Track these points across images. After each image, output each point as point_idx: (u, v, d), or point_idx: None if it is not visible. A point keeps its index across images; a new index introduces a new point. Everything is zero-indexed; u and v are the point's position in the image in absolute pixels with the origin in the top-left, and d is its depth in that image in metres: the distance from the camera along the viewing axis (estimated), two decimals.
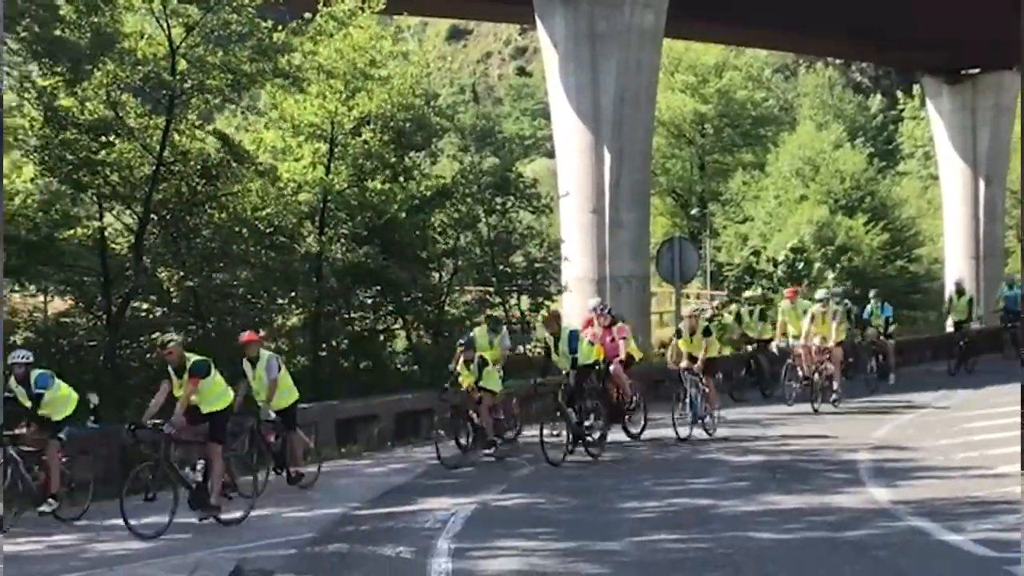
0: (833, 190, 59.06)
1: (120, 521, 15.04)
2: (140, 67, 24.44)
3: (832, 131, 67.60)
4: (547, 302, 33.71)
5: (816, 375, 26.53)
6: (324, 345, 29.03)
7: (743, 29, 48.47)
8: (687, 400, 23.50)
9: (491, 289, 33.12)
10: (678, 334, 25.27)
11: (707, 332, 24.70)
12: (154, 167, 24.74)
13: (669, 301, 46.58)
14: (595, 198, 36.93)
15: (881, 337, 31.75)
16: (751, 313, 31.35)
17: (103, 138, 24.12)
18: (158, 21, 24.94)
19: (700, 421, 23.40)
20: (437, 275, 31.50)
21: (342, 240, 29.54)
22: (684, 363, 24.13)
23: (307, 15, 28.04)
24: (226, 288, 26.88)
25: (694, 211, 67.80)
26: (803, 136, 65.09)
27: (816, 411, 25.77)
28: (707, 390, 23.74)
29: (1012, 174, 54.73)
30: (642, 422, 23.56)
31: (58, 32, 21.80)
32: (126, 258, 25.26)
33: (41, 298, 26.60)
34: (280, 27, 26.35)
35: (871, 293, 33.60)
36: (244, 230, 26.66)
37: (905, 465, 18.66)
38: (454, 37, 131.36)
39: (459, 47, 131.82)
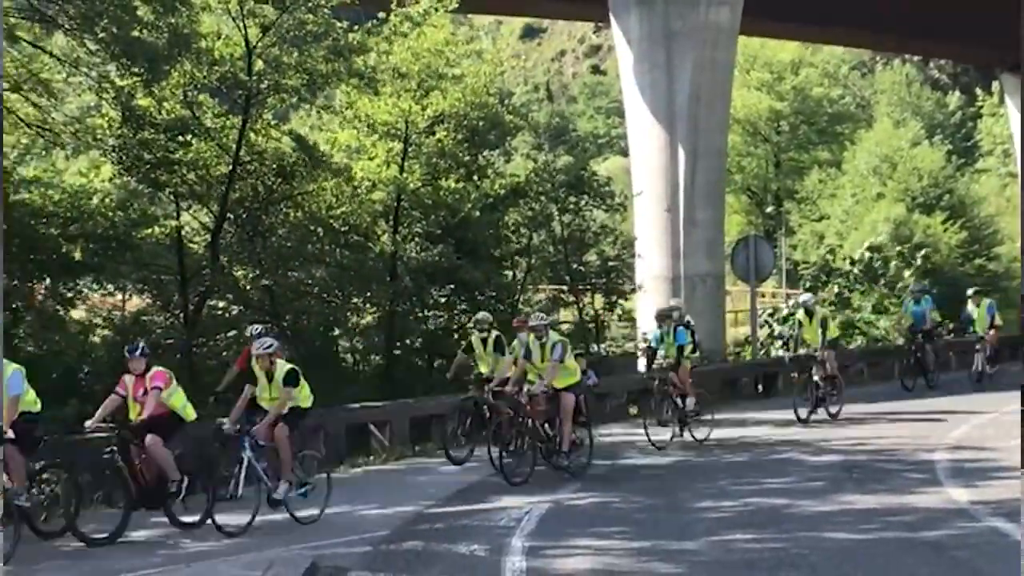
0: (911, 188, 58.44)
1: (193, 519, 15.14)
2: (217, 67, 24.65)
3: (910, 128, 66.88)
4: (621, 301, 33.61)
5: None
6: (398, 344, 29.10)
7: (819, 26, 48.18)
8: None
9: (565, 288, 33.07)
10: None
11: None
12: (230, 166, 24.93)
13: (744, 300, 46.36)
14: (670, 196, 36.85)
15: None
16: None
17: (180, 137, 24.35)
18: (234, 21, 25.14)
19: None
20: (511, 274, 31.49)
21: (416, 239, 29.60)
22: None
23: (381, 15, 28.13)
24: (301, 286, 27.05)
25: (769, 209, 67.31)
26: (880, 133, 64.42)
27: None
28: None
29: None
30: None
31: (136, 33, 21.98)
32: (203, 256, 25.47)
33: (119, 296, 26.85)
34: (355, 27, 26.47)
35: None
36: (319, 229, 26.83)
37: (984, 465, 18.43)
38: (528, 35, 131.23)
39: (533, 45, 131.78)
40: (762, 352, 38.23)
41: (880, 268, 44.71)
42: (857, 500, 15.86)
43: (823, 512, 15.14)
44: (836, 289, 42.95)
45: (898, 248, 49.01)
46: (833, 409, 25.13)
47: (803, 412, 24.41)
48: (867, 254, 45.31)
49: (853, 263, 45.01)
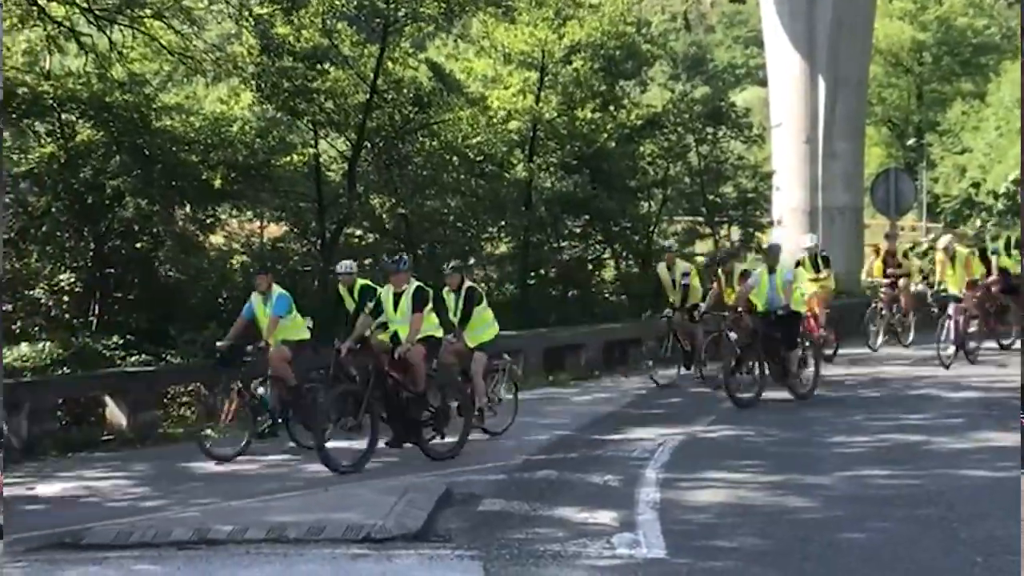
0: None
1: (339, 444, 15.20)
2: None
3: None
4: (758, 233, 33.30)
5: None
6: (532, 274, 29.16)
7: None
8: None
9: (701, 220, 32.84)
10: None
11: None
12: (367, 95, 25.04)
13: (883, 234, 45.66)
14: (809, 128, 36.40)
15: None
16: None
17: (318, 66, 24.48)
18: None
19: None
20: (646, 205, 31.38)
21: (551, 169, 29.60)
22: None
23: None
24: (437, 215, 27.16)
25: (910, 142, 66.18)
26: None
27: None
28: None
29: None
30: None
31: None
32: (340, 184, 25.67)
33: (257, 223, 27.19)
34: None
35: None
36: (454, 158, 26.89)
37: None
38: None
39: None
40: None
41: None
42: (995, 437, 15.57)
43: (960, 449, 14.92)
44: (978, 223, 42.11)
45: None
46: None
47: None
48: (1011, 188, 44.31)
49: (997, 197, 44.08)
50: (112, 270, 22.61)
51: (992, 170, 54.37)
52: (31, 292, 21.51)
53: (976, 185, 46.68)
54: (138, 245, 22.86)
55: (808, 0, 36.65)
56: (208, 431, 16.15)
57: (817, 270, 24.02)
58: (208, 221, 24.18)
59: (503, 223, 28.42)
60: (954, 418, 17.36)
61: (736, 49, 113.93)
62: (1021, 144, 49.82)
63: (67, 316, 21.38)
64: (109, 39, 22.12)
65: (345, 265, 17.68)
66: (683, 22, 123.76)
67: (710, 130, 32.51)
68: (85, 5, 21.38)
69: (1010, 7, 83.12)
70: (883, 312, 26.31)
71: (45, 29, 21.51)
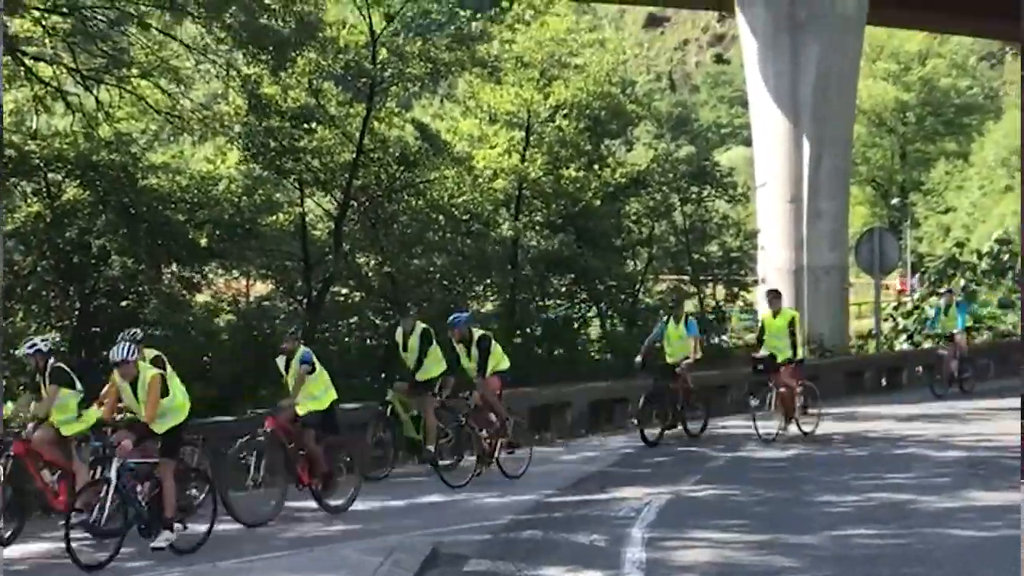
0: None
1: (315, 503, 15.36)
2: (341, 55, 24.87)
3: None
4: (743, 292, 33.42)
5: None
6: (518, 332, 29.17)
7: (948, 16, 47.38)
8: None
9: (686, 278, 32.93)
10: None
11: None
12: (354, 154, 25.13)
13: (868, 293, 45.77)
14: (793, 187, 36.53)
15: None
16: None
17: (305, 125, 24.57)
18: (359, 10, 25.32)
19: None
20: (632, 263, 31.47)
21: (537, 227, 29.68)
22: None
23: (505, 4, 28.18)
24: (423, 274, 27.18)
25: (894, 201, 66.51)
26: (1009, 124, 63.49)
27: None
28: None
29: None
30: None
31: (263, 20, 22.21)
32: (326, 243, 25.69)
33: (244, 282, 27.18)
34: (478, 16, 26.54)
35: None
36: (440, 217, 26.96)
37: None
38: (651, 24, 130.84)
39: (656, 34, 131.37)
40: (886, 346, 37.79)
41: (1008, 262, 43.92)
42: (982, 497, 15.58)
43: (947, 508, 14.91)
44: (963, 283, 42.30)
45: None
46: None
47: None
48: (995, 247, 44.54)
49: (981, 256, 44.29)
50: (98, 329, 22.57)
51: (976, 229, 54.69)
52: (16, 351, 21.43)
53: (960, 245, 46.93)
54: (124, 304, 22.83)
55: (792, 60, 36.89)
56: (193, 491, 16.02)
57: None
58: (194, 280, 24.17)
59: (489, 281, 28.48)
60: (940, 477, 17.37)
61: (721, 109, 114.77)
62: (1021, 186, 50.22)
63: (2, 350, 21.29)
64: (96, 98, 22.20)
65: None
66: (668, 82, 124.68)
67: (695, 189, 32.68)
68: (72, 65, 21.48)
69: (992, 68, 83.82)
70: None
71: (32, 89, 21.59)
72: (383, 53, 25.26)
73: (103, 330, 22.68)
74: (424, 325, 19.02)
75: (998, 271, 43.37)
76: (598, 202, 29.59)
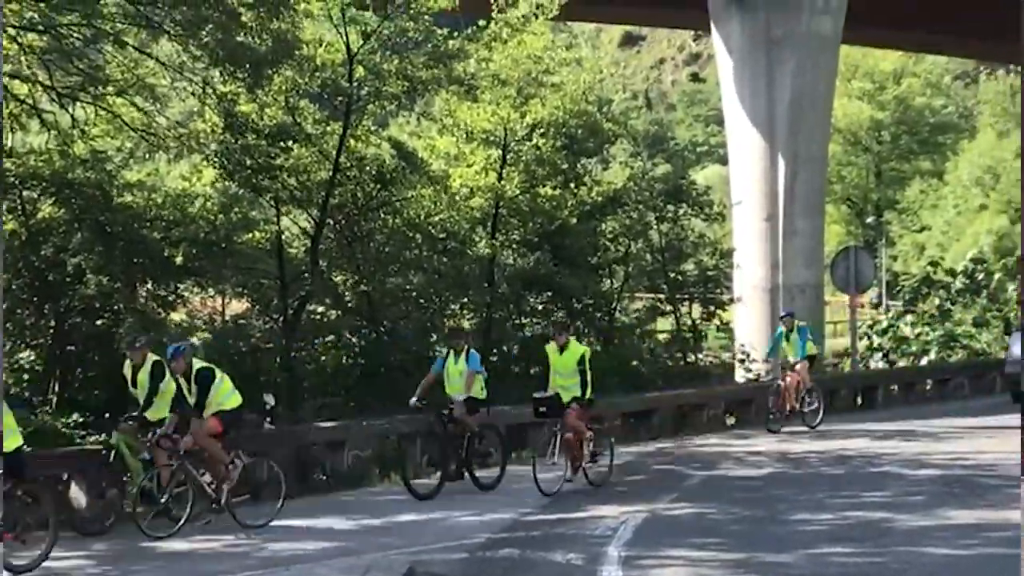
0: (1014, 199, 57.79)
1: (296, 522, 15.31)
2: (318, 73, 24.87)
3: (1014, 139, 66.11)
4: (719, 311, 33.47)
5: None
6: (495, 350, 29.14)
7: (923, 35, 47.64)
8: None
9: (662, 297, 32.97)
10: None
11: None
12: (330, 172, 25.12)
13: (843, 311, 45.94)
14: (769, 205, 36.66)
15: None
16: None
17: (281, 143, 24.53)
18: (336, 28, 25.31)
19: None
20: (608, 282, 31.48)
21: (513, 246, 29.70)
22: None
23: (481, 22, 28.20)
24: (399, 292, 27.16)
25: (870, 219, 66.78)
26: (983, 144, 63.82)
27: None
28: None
29: None
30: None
31: (239, 39, 22.18)
32: (302, 261, 25.65)
33: (219, 300, 27.13)
34: (455, 34, 26.56)
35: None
36: (417, 235, 26.97)
37: None
38: (628, 43, 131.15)
39: (632, 53, 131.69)
40: (861, 364, 37.89)
41: (983, 280, 44.14)
42: (957, 515, 15.63)
43: (922, 527, 14.94)
44: (937, 301, 42.49)
45: (1002, 261, 48.40)
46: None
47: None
48: (969, 266, 44.75)
49: (955, 275, 44.49)
50: (72, 348, 22.50)
51: (951, 248, 54.91)
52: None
53: (935, 264, 47.13)
54: (99, 322, 22.74)
55: (767, 80, 37.04)
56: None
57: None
58: (170, 298, 24.11)
59: (465, 300, 28.46)
60: (915, 495, 17.41)
61: (697, 127, 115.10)
62: (1021, 201, 50.44)
63: (26, 394, 21.22)
64: (71, 116, 22.14)
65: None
66: (644, 100, 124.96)
67: (671, 208, 32.73)
68: (48, 83, 21.42)
69: (967, 87, 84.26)
70: None
71: (7, 107, 21.51)
72: (360, 71, 25.27)
73: (78, 348, 22.63)
74: (156, 358, 16.51)
75: (972, 290, 43.55)
76: (574, 220, 29.62)
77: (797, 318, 27.27)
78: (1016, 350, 29.21)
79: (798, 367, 26.23)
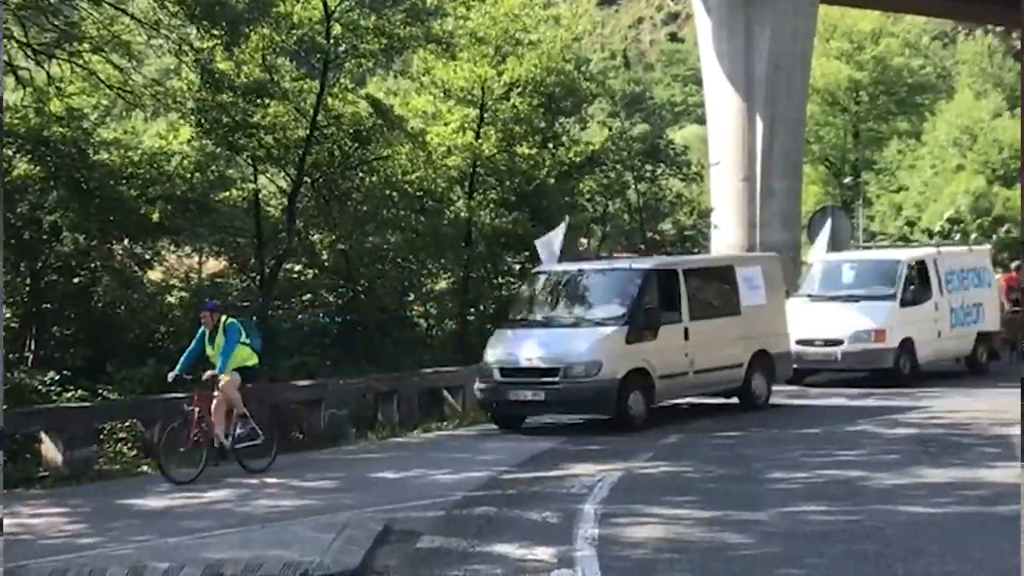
0: (991, 160, 57.91)
1: (274, 480, 15.39)
2: (295, 31, 24.76)
3: (991, 99, 66.17)
4: None
5: None
6: (472, 309, 29.18)
7: None
8: None
9: (639, 256, 32.99)
10: None
11: None
12: (307, 130, 25.03)
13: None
14: (746, 166, 36.61)
15: None
16: None
17: (258, 101, 24.42)
18: None
19: None
20: (585, 241, 31.46)
21: (491, 205, 29.67)
22: None
23: None
24: (376, 251, 27.14)
25: (847, 180, 66.81)
26: (961, 105, 63.82)
27: None
28: None
29: None
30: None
31: None
32: (279, 220, 25.63)
33: (196, 258, 27.08)
34: None
35: None
36: (394, 194, 26.92)
37: None
38: (606, 2, 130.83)
39: (611, 12, 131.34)
40: None
41: (959, 241, 44.27)
42: (931, 474, 15.71)
43: (897, 485, 15.00)
44: None
45: (978, 220, 48.54)
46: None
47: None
48: (946, 226, 44.89)
49: (931, 235, 44.60)
50: (49, 305, 22.46)
51: (927, 208, 55.03)
52: None
53: (911, 224, 47.27)
54: (75, 280, 22.71)
55: (746, 40, 36.96)
56: (145, 468, 16.14)
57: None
58: (146, 256, 24.06)
59: (443, 259, 28.44)
60: (891, 454, 17.49)
61: (675, 87, 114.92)
62: (1020, 176, 50.55)
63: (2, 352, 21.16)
64: (47, 73, 22.03)
65: None
66: (622, 60, 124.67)
67: (649, 167, 32.75)
68: (23, 39, 21.28)
69: (945, 47, 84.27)
70: None
71: None
72: (337, 28, 25.16)
73: (53, 307, 22.58)
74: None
75: None
76: (552, 180, 29.61)
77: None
78: None
79: (222, 382, 21.99)
